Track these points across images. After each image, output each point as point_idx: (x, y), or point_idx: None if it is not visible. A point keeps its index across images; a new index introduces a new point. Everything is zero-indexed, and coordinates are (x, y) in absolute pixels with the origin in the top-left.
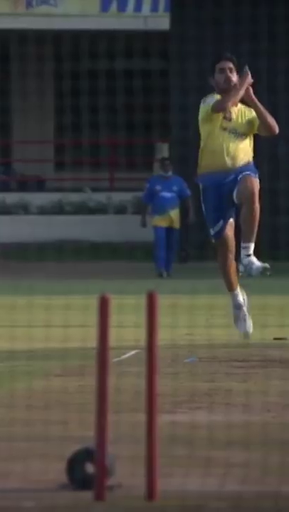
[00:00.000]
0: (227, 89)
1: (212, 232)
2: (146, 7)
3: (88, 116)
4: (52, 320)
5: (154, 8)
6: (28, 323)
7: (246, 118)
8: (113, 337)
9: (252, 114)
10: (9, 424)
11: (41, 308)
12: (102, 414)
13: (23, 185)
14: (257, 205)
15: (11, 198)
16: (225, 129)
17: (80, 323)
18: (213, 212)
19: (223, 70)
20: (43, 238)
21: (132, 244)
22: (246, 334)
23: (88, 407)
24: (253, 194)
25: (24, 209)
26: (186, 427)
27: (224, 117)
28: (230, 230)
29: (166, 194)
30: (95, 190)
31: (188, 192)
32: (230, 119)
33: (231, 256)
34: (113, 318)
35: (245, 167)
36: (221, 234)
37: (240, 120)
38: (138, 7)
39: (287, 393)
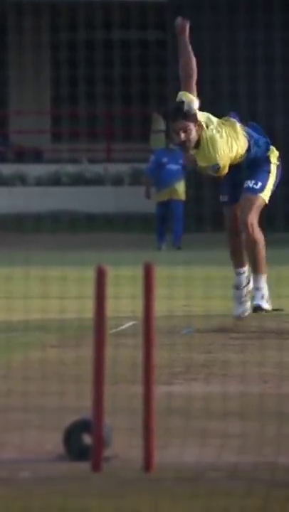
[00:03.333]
0: (186, 150)
1: (222, 198)
2: None
3: (85, 87)
4: (48, 291)
5: None
6: (24, 295)
7: (208, 147)
8: (110, 308)
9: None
10: (6, 395)
11: (37, 280)
12: (99, 385)
13: (20, 157)
14: (252, 236)
15: (7, 169)
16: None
17: (76, 294)
18: (226, 182)
19: (177, 135)
20: (40, 209)
21: (129, 216)
22: (237, 317)
23: (85, 378)
24: (245, 225)
25: (21, 180)
26: (182, 398)
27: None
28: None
29: (173, 166)
30: (91, 161)
31: None
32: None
33: (237, 230)
34: (110, 290)
35: (254, 172)
36: (227, 203)
37: (205, 154)
38: None
39: (284, 364)
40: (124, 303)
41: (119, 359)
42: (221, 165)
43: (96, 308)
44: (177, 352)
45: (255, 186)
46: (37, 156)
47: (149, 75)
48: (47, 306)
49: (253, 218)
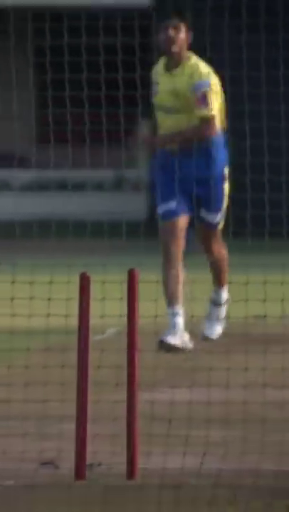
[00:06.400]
0: (168, 51)
1: (159, 210)
2: None
3: (70, 91)
4: (35, 295)
5: None
6: (10, 299)
7: (195, 64)
8: (96, 313)
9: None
10: None
11: (24, 284)
12: (83, 392)
13: (5, 162)
14: (217, 255)
15: None
16: (156, 105)
17: (63, 298)
18: (164, 187)
19: (166, 29)
20: (27, 215)
21: (115, 222)
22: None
23: (69, 385)
24: (212, 254)
25: (7, 186)
26: (166, 404)
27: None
28: (183, 221)
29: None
30: (77, 166)
31: None
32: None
33: (178, 254)
34: (96, 295)
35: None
36: (170, 216)
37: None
38: None
39: (268, 371)
40: (109, 308)
41: (103, 364)
42: (213, 86)
43: (80, 314)
44: (161, 358)
45: (214, 221)
46: (23, 162)
47: (134, 79)
48: (33, 311)
49: (219, 246)
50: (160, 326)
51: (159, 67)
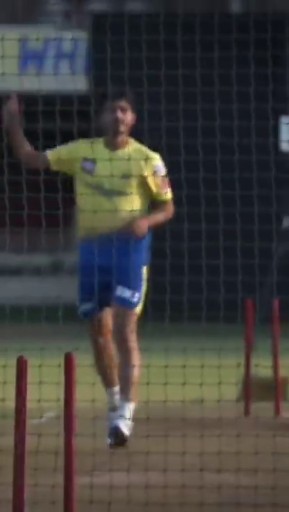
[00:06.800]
0: (116, 131)
1: (80, 308)
2: (64, 68)
3: (8, 175)
4: None
5: (73, 69)
6: None
7: (140, 148)
8: (33, 397)
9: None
10: None
11: None
12: (20, 475)
13: None
14: (131, 353)
15: None
16: (89, 185)
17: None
18: (83, 284)
19: (114, 110)
20: None
21: (52, 306)
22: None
23: (4, 468)
24: (124, 341)
25: None
26: (104, 488)
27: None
28: (103, 315)
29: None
30: (14, 251)
31: None
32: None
33: (103, 341)
34: (33, 378)
35: (125, 275)
36: (89, 315)
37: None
38: (57, 68)
39: (205, 454)
40: (46, 392)
41: (40, 448)
42: (164, 169)
43: (17, 397)
44: (99, 441)
45: (132, 299)
46: None
47: None
48: None
49: (134, 341)
50: (98, 411)
51: (97, 146)
